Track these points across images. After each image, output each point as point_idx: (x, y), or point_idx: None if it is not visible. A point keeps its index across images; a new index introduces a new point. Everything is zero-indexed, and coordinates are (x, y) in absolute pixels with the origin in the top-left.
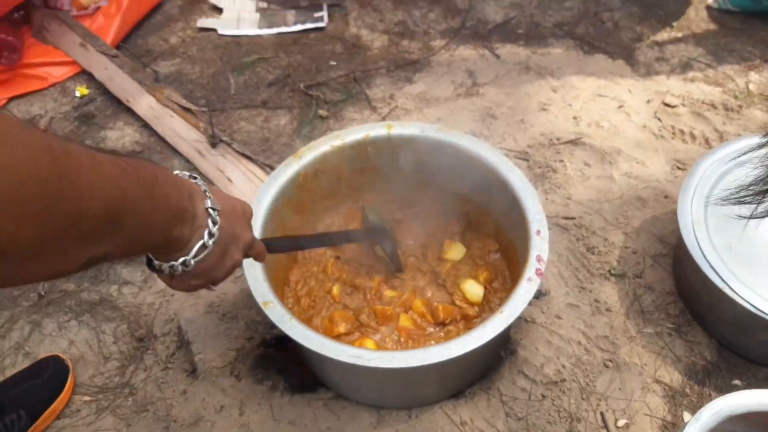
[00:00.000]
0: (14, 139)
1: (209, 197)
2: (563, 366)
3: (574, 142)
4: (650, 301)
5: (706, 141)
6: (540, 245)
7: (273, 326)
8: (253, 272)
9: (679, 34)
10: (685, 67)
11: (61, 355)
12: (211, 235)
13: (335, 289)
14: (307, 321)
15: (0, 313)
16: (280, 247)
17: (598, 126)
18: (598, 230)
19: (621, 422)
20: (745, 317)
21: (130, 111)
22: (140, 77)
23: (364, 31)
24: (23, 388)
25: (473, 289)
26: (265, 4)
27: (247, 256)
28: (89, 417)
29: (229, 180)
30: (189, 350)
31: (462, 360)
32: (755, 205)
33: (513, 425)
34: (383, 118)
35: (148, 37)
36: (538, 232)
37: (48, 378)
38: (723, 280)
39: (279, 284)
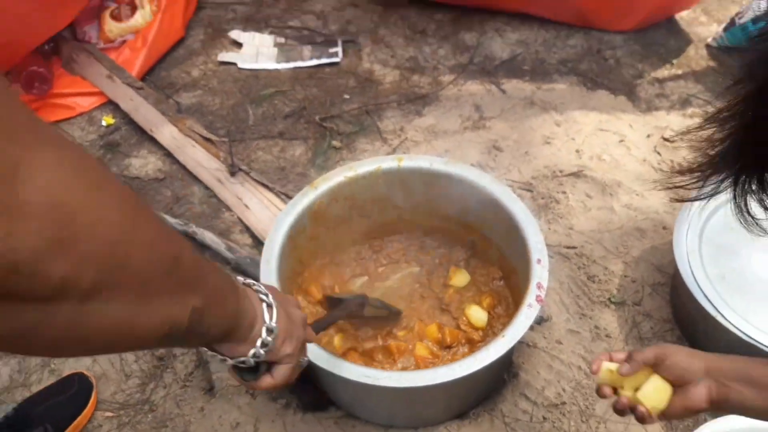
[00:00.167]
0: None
1: (266, 323)
2: (564, 389)
3: (577, 175)
4: (648, 328)
5: None
6: (540, 273)
7: None
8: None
9: (679, 72)
10: (685, 103)
11: (85, 372)
12: (264, 345)
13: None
14: None
15: None
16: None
17: (600, 159)
18: (598, 259)
19: None
20: (737, 344)
21: (153, 140)
22: (163, 108)
23: (376, 66)
24: (49, 404)
25: (477, 315)
26: (282, 40)
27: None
28: None
29: (246, 206)
30: (207, 369)
31: (467, 381)
32: (697, 189)
33: None
34: (394, 150)
35: (171, 69)
36: (539, 260)
37: (73, 394)
38: (716, 309)
39: None
